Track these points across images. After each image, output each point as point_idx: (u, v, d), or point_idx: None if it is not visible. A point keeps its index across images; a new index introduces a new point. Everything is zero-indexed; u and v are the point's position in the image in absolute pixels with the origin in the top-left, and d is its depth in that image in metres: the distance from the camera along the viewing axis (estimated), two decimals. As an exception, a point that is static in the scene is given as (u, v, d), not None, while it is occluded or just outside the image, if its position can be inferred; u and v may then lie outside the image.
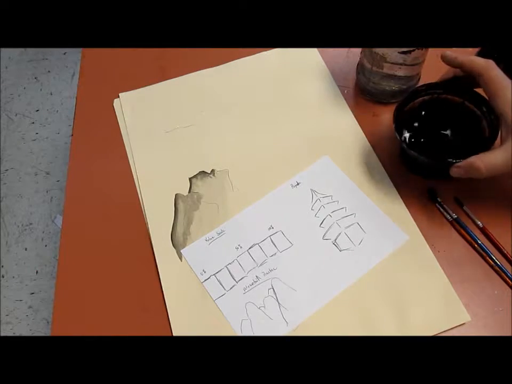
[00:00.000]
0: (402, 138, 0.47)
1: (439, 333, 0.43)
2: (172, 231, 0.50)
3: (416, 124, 0.49)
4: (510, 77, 0.56)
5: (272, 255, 0.48)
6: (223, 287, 0.46)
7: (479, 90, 0.46)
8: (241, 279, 0.47)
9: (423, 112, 0.49)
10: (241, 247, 0.48)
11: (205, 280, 0.47)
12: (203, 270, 0.47)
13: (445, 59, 0.45)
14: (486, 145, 0.43)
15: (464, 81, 0.46)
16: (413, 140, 0.48)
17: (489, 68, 0.42)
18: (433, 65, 0.57)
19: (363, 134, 0.54)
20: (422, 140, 0.48)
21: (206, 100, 0.59)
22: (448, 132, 0.48)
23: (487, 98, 0.45)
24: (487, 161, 0.40)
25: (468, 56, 0.44)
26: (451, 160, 0.43)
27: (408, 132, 0.48)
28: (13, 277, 1.20)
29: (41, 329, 1.13)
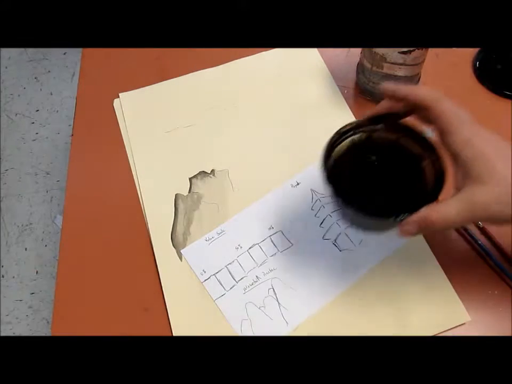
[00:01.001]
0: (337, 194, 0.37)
1: (439, 333, 0.43)
2: (171, 231, 0.50)
3: (347, 172, 0.40)
4: (511, 82, 0.56)
5: (272, 255, 0.48)
6: (223, 287, 0.46)
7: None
8: (241, 279, 0.47)
9: (353, 156, 0.40)
10: (241, 247, 0.48)
11: (205, 280, 0.47)
12: (203, 270, 0.47)
13: (385, 93, 0.38)
14: (429, 191, 0.36)
15: (399, 115, 0.39)
16: (346, 191, 0.38)
17: (440, 100, 0.35)
18: (433, 65, 0.57)
19: (363, 134, 0.54)
20: (356, 189, 0.39)
21: (206, 100, 0.59)
22: (385, 176, 0.39)
23: (434, 134, 0.37)
24: (443, 214, 0.33)
25: (411, 87, 0.36)
26: (398, 216, 0.35)
27: (339, 182, 0.38)
28: (13, 277, 1.20)
29: (41, 329, 1.13)
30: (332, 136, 0.40)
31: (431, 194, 0.36)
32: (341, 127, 0.40)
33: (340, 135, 0.40)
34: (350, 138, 0.40)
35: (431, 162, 0.38)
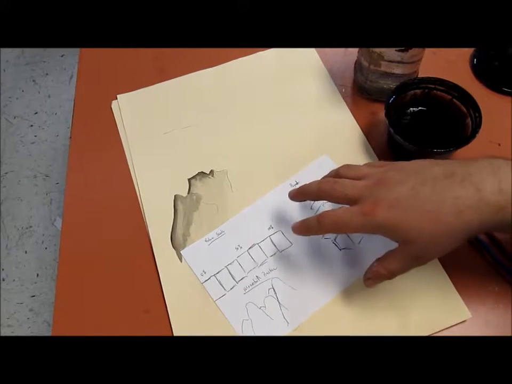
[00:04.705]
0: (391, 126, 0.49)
1: (440, 331, 0.43)
2: (171, 232, 0.50)
3: (407, 113, 0.52)
4: (509, 79, 0.56)
5: (272, 255, 0.48)
6: (223, 287, 0.46)
7: (468, 88, 0.49)
8: (241, 279, 0.47)
9: (413, 105, 0.52)
10: (241, 247, 0.48)
11: (205, 280, 0.47)
12: (203, 271, 0.47)
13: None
14: (466, 141, 0.47)
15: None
16: (400, 129, 0.49)
17: None
18: (431, 62, 0.57)
19: (361, 132, 0.55)
20: (409, 129, 0.50)
21: (205, 100, 0.59)
22: (434, 126, 0.51)
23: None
24: (388, 267, 0.40)
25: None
26: (431, 149, 0.46)
27: (397, 121, 0.51)
28: (14, 280, 1.20)
29: (42, 332, 1.13)
30: (398, 85, 0.50)
31: (464, 140, 0.46)
32: (407, 79, 0.51)
33: (405, 86, 0.50)
34: (412, 91, 0.51)
35: (472, 119, 0.48)
